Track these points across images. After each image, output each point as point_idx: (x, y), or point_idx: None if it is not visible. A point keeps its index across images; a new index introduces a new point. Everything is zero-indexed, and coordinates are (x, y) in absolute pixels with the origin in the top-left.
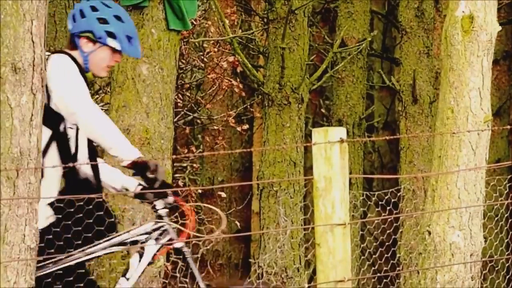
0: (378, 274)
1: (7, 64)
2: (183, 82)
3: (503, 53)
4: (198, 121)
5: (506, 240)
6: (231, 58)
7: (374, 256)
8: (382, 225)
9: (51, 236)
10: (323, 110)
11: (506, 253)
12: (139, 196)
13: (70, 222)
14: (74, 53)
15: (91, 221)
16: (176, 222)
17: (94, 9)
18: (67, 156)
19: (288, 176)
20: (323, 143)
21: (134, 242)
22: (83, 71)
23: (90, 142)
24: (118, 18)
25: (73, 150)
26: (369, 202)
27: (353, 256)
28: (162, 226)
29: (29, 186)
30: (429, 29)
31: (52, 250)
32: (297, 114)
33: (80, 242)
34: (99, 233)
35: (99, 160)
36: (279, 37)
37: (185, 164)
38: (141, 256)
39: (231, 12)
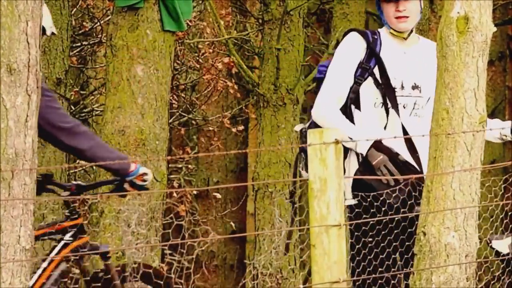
0: (373, 275)
1: (2, 65)
2: (178, 83)
3: (498, 54)
4: (193, 122)
5: None
6: (226, 59)
7: (369, 257)
8: (377, 226)
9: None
10: None
11: (501, 254)
12: None
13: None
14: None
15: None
16: None
17: None
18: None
19: (283, 177)
20: (318, 144)
21: None
22: (372, 45)
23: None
24: None
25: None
26: (364, 203)
27: (348, 257)
28: None
29: (24, 187)
30: (424, 30)
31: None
32: (292, 115)
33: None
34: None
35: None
36: (274, 38)
37: (180, 165)
38: None
39: (226, 13)
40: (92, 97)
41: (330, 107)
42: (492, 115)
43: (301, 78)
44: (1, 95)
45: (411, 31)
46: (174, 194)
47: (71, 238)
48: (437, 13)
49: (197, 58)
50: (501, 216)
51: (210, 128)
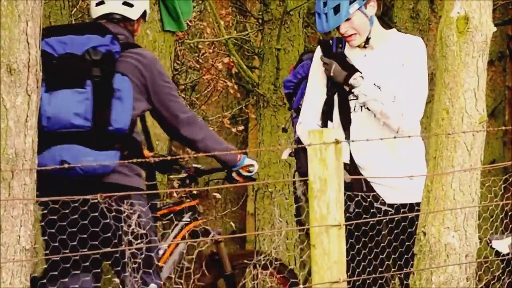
0: (373, 275)
1: (2, 65)
2: (178, 83)
3: (498, 54)
4: None
5: None
6: (226, 59)
7: (369, 257)
8: (378, 226)
9: None
10: None
11: (501, 254)
12: None
13: None
14: None
15: None
16: None
17: None
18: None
19: (283, 177)
20: (318, 144)
21: None
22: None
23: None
24: None
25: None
26: (364, 203)
27: (348, 257)
28: None
29: (24, 187)
30: (424, 30)
31: None
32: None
33: None
34: None
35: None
36: (274, 38)
37: None
38: None
39: (226, 13)
40: None
41: (310, 126)
42: (492, 115)
43: None
44: (1, 95)
45: (368, 38)
46: (174, 194)
47: (188, 220)
48: (437, 13)
49: (197, 58)
50: (501, 216)
51: (210, 128)
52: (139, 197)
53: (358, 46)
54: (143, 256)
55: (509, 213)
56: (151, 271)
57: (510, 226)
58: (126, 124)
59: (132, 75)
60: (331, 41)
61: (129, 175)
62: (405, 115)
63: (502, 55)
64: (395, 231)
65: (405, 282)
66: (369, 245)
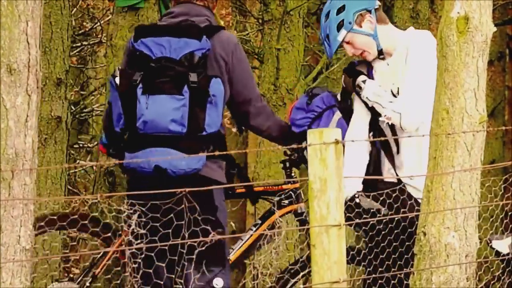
0: (373, 275)
1: (2, 65)
2: None
3: (498, 54)
4: None
5: None
6: None
7: (369, 257)
8: (377, 226)
9: None
10: None
11: (501, 254)
12: None
13: None
14: None
15: None
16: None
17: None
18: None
19: (283, 177)
20: (318, 144)
21: None
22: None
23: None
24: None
25: None
26: (364, 203)
27: (348, 257)
28: None
29: (24, 187)
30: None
31: None
32: None
33: None
34: None
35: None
36: (274, 38)
37: None
38: None
39: (226, 13)
40: (92, 97)
41: (357, 148)
42: (492, 115)
43: (301, 78)
44: (1, 95)
45: (381, 50)
46: None
47: (286, 201)
48: (437, 13)
49: None
50: (501, 216)
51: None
52: (220, 190)
53: (378, 58)
54: (213, 249)
55: (509, 213)
56: (219, 265)
57: (510, 226)
58: (218, 127)
59: (216, 64)
60: (355, 61)
61: (214, 169)
62: (402, 113)
63: (501, 55)
64: (395, 231)
65: (405, 282)
66: (370, 245)
